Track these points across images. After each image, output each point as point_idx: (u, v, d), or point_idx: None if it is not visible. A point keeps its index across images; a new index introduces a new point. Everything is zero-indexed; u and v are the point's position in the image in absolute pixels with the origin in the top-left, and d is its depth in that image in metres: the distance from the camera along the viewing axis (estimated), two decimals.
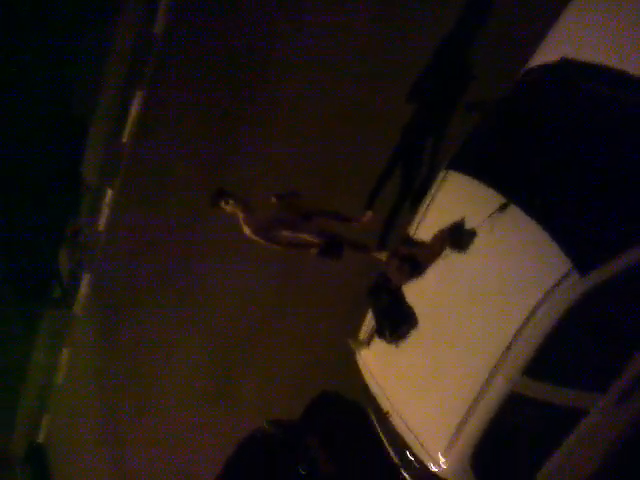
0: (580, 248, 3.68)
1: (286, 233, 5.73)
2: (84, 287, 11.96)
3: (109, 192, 11.23)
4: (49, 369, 12.94)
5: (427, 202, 4.60)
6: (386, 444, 4.89)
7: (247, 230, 5.68)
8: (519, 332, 3.71)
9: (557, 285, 3.63)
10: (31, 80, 11.98)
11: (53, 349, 12.84)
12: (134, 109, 10.60)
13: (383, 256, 5.64)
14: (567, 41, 4.35)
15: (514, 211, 3.93)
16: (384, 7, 6.82)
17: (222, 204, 5.62)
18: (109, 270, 11.28)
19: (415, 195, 6.09)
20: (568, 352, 3.75)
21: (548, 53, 4.38)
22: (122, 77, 10.90)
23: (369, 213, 6.39)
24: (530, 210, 3.88)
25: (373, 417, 4.95)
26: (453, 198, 4.42)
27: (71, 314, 12.21)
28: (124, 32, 10.92)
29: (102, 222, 11.38)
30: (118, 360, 10.77)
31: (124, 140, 10.82)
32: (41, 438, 13.40)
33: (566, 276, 3.62)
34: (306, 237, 5.80)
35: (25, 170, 12.28)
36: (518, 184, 4.04)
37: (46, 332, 13.22)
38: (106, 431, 11.02)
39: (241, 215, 5.65)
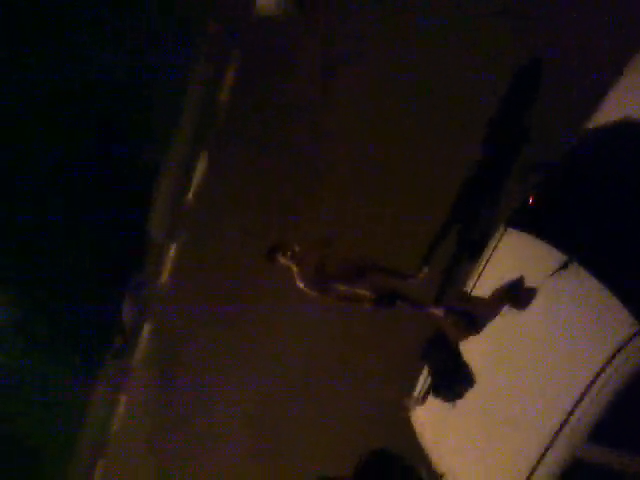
0: None
1: (340, 287, 5.77)
2: (144, 338, 12.27)
3: (173, 247, 11.66)
4: (106, 417, 13.16)
5: (485, 259, 4.60)
6: None
7: (300, 283, 5.75)
8: (583, 394, 3.57)
9: (624, 346, 3.51)
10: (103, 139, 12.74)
11: (110, 398, 13.09)
12: (200, 168, 11.14)
13: (439, 312, 5.60)
14: (629, 101, 4.37)
15: (576, 270, 3.87)
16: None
17: (278, 257, 5.75)
18: (169, 322, 11.56)
19: (472, 253, 6.06)
20: (635, 417, 3.57)
21: (610, 112, 4.39)
22: (189, 136, 11.53)
23: (425, 270, 6.39)
24: (593, 269, 3.81)
25: (426, 478, 4.81)
26: (512, 256, 4.41)
27: (130, 364, 12.49)
28: (193, 94, 11.61)
29: (165, 275, 11.77)
30: (172, 412, 10.87)
31: (189, 197, 11.31)
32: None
33: (634, 336, 3.51)
34: (360, 291, 5.82)
35: (94, 221, 12.89)
36: (580, 242, 3.98)
37: (105, 380, 13.51)
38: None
39: (295, 268, 5.74)
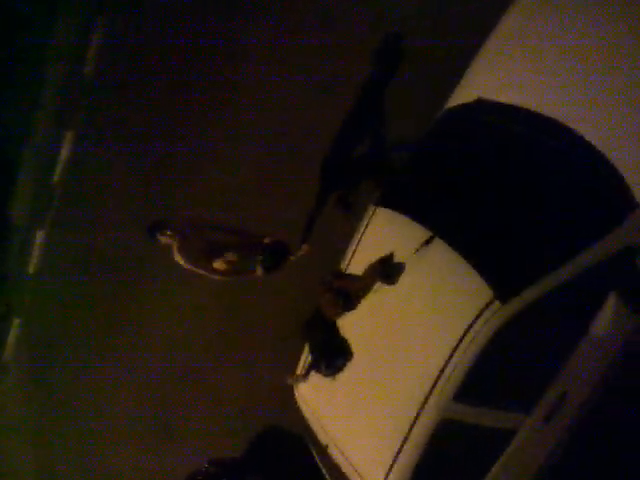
0: (502, 277, 3.91)
1: (227, 257, 5.79)
2: (13, 333, 11.49)
3: (39, 234, 10.91)
4: None
5: (358, 237, 4.77)
6: (327, 478, 4.93)
7: (181, 259, 5.75)
8: (447, 360, 3.87)
9: (481, 313, 3.83)
10: None
11: None
12: (65, 149, 10.44)
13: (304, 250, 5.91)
14: (482, 82, 4.68)
15: (438, 244, 4.14)
16: None
17: (159, 237, 5.73)
18: (40, 314, 10.89)
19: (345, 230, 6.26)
20: (495, 376, 3.93)
21: (465, 94, 4.68)
22: (52, 116, 10.75)
23: (305, 246, 6.52)
24: (453, 242, 4.10)
25: (314, 451, 5.00)
26: (382, 233, 4.60)
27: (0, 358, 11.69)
28: (54, 70, 10.80)
29: (32, 266, 11.01)
30: (50, 410, 10.34)
31: (55, 180, 10.60)
32: None
33: (489, 304, 3.83)
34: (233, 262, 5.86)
35: None
36: (441, 218, 4.26)
37: None
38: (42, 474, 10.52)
39: (175, 244, 5.73)
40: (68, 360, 10.00)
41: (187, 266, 5.83)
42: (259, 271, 6.02)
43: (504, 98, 4.45)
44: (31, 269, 11.02)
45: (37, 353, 10.84)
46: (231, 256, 5.84)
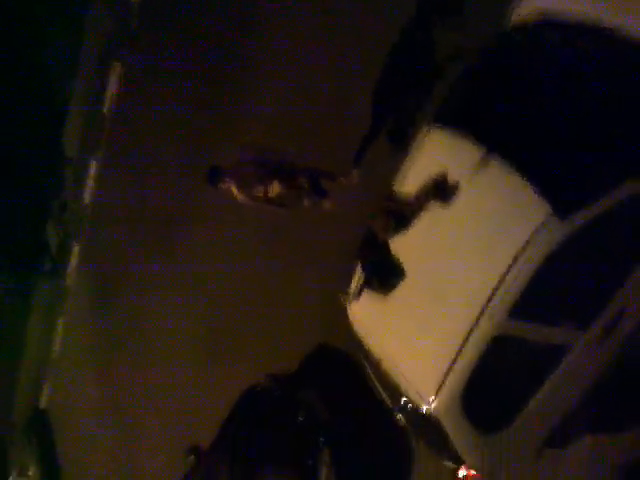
0: (560, 194, 3.85)
1: (277, 191, 5.86)
2: (74, 258, 12.02)
3: (93, 164, 11.19)
4: (45, 339, 13.09)
5: (411, 157, 4.71)
6: (379, 390, 5.13)
7: (238, 193, 5.84)
8: (503, 276, 3.88)
9: (539, 229, 3.80)
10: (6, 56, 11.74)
11: (48, 320, 12.97)
12: (114, 77, 10.49)
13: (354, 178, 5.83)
14: None
15: (496, 162, 4.07)
16: None
17: (220, 184, 5.84)
18: (98, 240, 11.33)
19: (399, 151, 6.19)
20: (551, 293, 3.94)
21: (528, 7, 4.45)
22: (100, 45, 10.76)
23: (355, 171, 6.50)
24: (511, 160, 4.02)
25: (366, 366, 5.18)
26: (436, 152, 4.53)
27: (63, 285, 12.30)
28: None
29: (88, 194, 11.36)
30: (114, 329, 10.92)
31: (105, 110, 10.73)
32: (43, 404, 13.66)
33: (547, 221, 3.79)
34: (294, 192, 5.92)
35: (7, 146, 12.14)
36: (499, 136, 4.16)
37: (40, 304, 13.31)
38: (104, 395, 11.26)
39: (234, 188, 5.82)
40: (128, 284, 10.46)
41: (248, 202, 5.92)
42: (306, 201, 6.06)
43: (572, 11, 4.22)
44: (87, 198, 11.39)
45: (97, 279, 11.37)
46: (280, 186, 5.88)
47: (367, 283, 4.91)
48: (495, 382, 4.23)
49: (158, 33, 9.64)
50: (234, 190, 5.89)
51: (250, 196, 5.94)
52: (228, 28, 8.50)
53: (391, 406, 5.08)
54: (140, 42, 9.95)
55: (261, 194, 5.92)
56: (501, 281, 3.90)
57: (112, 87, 10.53)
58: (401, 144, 6.22)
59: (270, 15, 7.98)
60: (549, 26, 4.24)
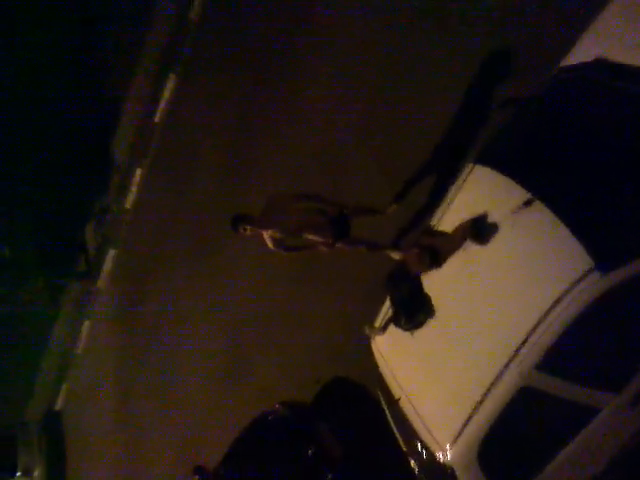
0: (603, 247, 3.68)
1: (308, 238, 5.76)
2: (109, 262, 12.21)
3: (138, 172, 11.43)
4: (70, 339, 13.24)
5: (452, 194, 4.62)
6: (395, 432, 4.94)
7: (270, 244, 5.80)
8: (536, 326, 3.72)
9: (579, 281, 3.63)
10: (66, 59, 12.22)
11: (75, 320, 13.13)
12: (167, 91, 10.77)
13: (397, 255, 5.67)
14: (602, 42, 4.35)
15: (538, 207, 3.94)
16: None
17: (241, 230, 5.80)
18: (134, 247, 11.49)
19: (440, 189, 6.11)
20: (584, 349, 3.76)
21: (583, 53, 4.37)
22: (157, 59, 11.08)
23: (394, 206, 6.44)
24: (555, 207, 3.88)
25: (384, 404, 5.01)
26: (478, 191, 4.43)
27: (95, 288, 12.47)
28: (162, 15, 11.08)
29: (130, 200, 11.59)
30: (137, 335, 10.99)
31: (156, 121, 10.99)
32: (59, 405, 13.73)
33: (588, 273, 3.63)
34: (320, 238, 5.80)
35: (58, 147, 12.56)
36: (544, 181, 4.04)
37: (68, 305, 13.52)
38: (120, 403, 11.26)
39: (265, 234, 5.75)
40: (157, 293, 10.54)
41: (278, 250, 5.87)
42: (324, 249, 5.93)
43: (624, 59, 4.12)
44: (128, 204, 11.61)
45: (129, 283, 11.50)
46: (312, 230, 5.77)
47: (394, 317, 4.78)
48: (517, 437, 4.02)
49: (214, 51, 9.86)
50: (264, 238, 5.80)
51: (280, 245, 5.85)
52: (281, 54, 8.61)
53: (406, 450, 4.89)
54: (197, 57, 10.20)
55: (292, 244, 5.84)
56: (533, 330, 3.73)
57: (165, 98, 10.79)
58: (443, 183, 6.16)
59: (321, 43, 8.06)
60: (598, 68, 4.12)
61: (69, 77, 12.26)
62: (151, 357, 10.51)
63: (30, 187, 12.67)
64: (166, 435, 9.83)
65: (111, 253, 12.14)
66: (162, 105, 10.91)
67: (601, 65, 4.19)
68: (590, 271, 3.63)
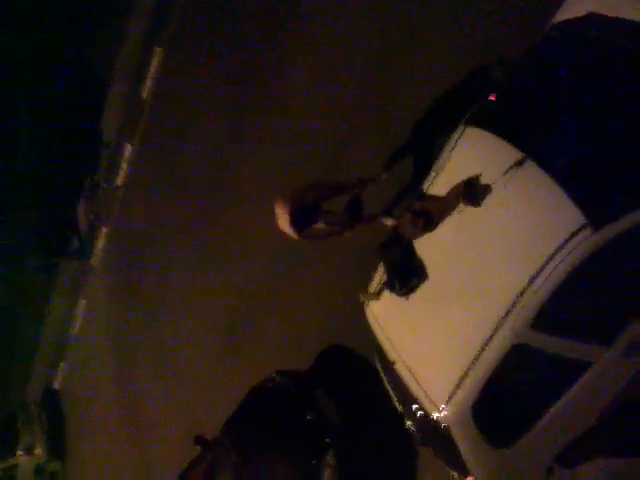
0: (595, 203, 3.70)
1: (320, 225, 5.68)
2: (101, 240, 12.18)
3: (128, 148, 11.34)
4: (66, 320, 13.26)
5: (443, 157, 4.62)
6: (391, 394, 5.02)
7: (285, 228, 5.61)
8: (528, 284, 3.75)
9: (570, 238, 3.66)
10: (51, 35, 12.03)
11: (70, 299, 13.14)
12: (154, 64, 10.63)
13: (389, 222, 5.67)
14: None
15: (530, 166, 3.94)
16: None
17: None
18: (127, 224, 11.45)
19: (431, 153, 6.09)
20: (576, 305, 3.80)
21: (574, 8, 4.34)
22: (143, 33, 10.92)
23: (384, 174, 6.42)
24: (546, 166, 3.89)
25: (380, 368, 5.07)
26: (470, 153, 4.43)
27: (88, 265, 12.46)
28: None
29: (121, 177, 11.51)
30: (133, 312, 11.01)
31: (144, 95, 10.87)
32: (57, 384, 13.80)
33: (580, 229, 3.65)
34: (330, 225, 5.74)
35: (46, 126, 12.43)
36: (536, 140, 4.04)
37: (64, 283, 13.51)
38: (118, 380, 11.34)
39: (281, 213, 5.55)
40: (152, 269, 10.54)
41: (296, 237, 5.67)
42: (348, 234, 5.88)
43: (616, 12, 4.10)
44: (119, 180, 11.54)
45: (123, 260, 11.48)
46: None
47: (388, 283, 4.81)
48: (510, 394, 4.08)
49: (201, 23, 9.72)
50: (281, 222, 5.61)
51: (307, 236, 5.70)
52: (270, 30, 8.48)
53: (401, 411, 4.96)
54: (183, 30, 10.05)
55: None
56: (526, 289, 3.77)
57: (152, 73, 10.66)
58: (434, 146, 6.13)
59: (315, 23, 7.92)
60: (589, 23, 4.10)
61: (56, 53, 12.08)
62: (148, 333, 10.55)
63: (20, 166, 12.58)
64: (166, 409, 9.91)
65: (104, 230, 12.11)
66: (149, 80, 10.78)
67: (593, 20, 4.16)
68: (582, 227, 3.65)
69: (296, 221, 5.48)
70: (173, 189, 10.05)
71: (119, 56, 11.46)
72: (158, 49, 10.49)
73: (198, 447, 7.10)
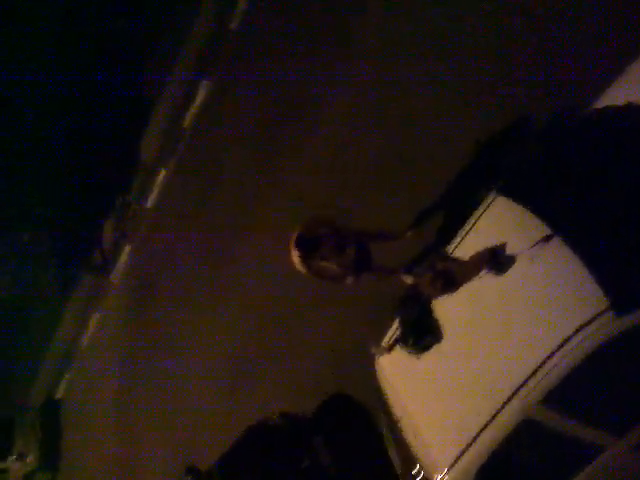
0: (620, 288, 3.69)
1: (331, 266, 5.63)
2: (124, 258, 12.33)
3: (162, 172, 11.59)
4: (76, 332, 13.33)
5: (471, 223, 4.66)
6: (392, 452, 4.94)
7: (299, 265, 5.59)
8: (545, 359, 3.72)
9: (592, 320, 3.64)
10: (103, 57, 12.49)
11: (84, 311, 13.24)
12: (200, 97, 10.96)
13: (409, 279, 5.66)
14: (635, 87, 4.40)
15: (558, 243, 3.96)
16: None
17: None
18: (151, 246, 11.61)
19: (460, 217, 6.13)
20: (592, 389, 3.75)
21: (615, 96, 4.42)
22: (193, 64, 11.30)
23: (412, 231, 6.46)
24: (574, 244, 3.90)
25: (384, 424, 5.01)
26: (497, 222, 4.47)
27: (107, 282, 12.59)
28: (201, 21, 11.31)
29: (152, 199, 11.74)
30: (144, 333, 11.04)
31: (185, 125, 11.18)
32: (59, 394, 13.79)
33: (602, 313, 3.63)
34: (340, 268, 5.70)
35: (87, 142, 12.79)
36: (566, 216, 4.07)
37: (79, 296, 13.64)
38: (119, 399, 11.30)
39: (296, 256, 5.51)
40: (170, 294, 10.61)
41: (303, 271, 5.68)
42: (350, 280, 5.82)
43: None
44: (149, 203, 11.76)
45: (142, 281, 11.60)
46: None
47: (401, 339, 4.80)
48: (516, 469, 4.01)
49: (252, 61, 10.03)
50: (296, 261, 5.58)
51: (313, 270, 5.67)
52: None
53: (400, 472, 4.88)
54: (233, 65, 10.37)
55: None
56: (542, 365, 3.73)
57: (197, 104, 10.97)
58: (462, 211, 6.17)
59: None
60: (632, 114, 4.17)
61: (105, 73, 12.50)
62: (156, 357, 10.55)
63: (55, 178, 12.88)
64: (163, 435, 9.83)
65: (127, 249, 12.28)
66: (193, 110, 11.09)
67: (632, 110, 4.23)
68: (604, 311, 3.63)
69: (300, 243, 5.43)
70: (199, 220, 10.19)
71: (168, 82, 11.83)
72: (207, 82, 10.83)
73: (189, 477, 7.02)
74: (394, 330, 4.94)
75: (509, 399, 3.83)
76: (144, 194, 11.92)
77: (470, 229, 4.65)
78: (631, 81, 4.46)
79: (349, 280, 5.81)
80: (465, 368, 4.18)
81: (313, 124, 8.38)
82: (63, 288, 13.92)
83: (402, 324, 4.86)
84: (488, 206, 4.59)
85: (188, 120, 11.16)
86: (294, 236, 5.53)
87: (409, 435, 4.47)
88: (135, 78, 12.40)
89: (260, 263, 8.65)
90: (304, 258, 5.52)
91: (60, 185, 12.93)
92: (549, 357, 3.71)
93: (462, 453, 3.99)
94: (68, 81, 12.36)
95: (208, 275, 9.72)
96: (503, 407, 3.84)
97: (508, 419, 3.83)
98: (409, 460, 4.52)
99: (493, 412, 3.87)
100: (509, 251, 4.20)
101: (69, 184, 12.85)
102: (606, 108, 4.41)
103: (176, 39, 11.64)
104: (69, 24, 12.25)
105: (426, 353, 4.54)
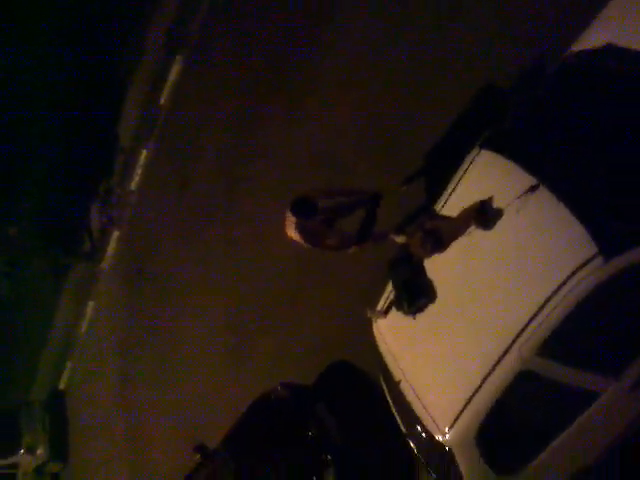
0: (608, 233, 3.68)
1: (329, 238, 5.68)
2: (113, 243, 12.24)
3: (143, 153, 11.42)
4: (73, 321, 13.31)
5: (457, 179, 4.61)
6: (395, 413, 4.99)
7: (294, 235, 5.59)
8: (538, 311, 3.73)
9: (581, 267, 3.64)
10: (73, 38, 12.20)
11: (79, 300, 13.20)
12: (173, 73, 10.74)
13: (400, 239, 5.65)
14: (613, 27, 4.31)
15: (544, 193, 3.93)
16: None
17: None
18: (138, 229, 11.51)
19: (444, 174, 6.08)
20: (585, 335, 3.77)
21: (593, 38, 4.34)
22: (164, 41, 11.04)
23: (405, 187, 6.43)
24: (560, 193, 3.88)
25: (384, 386, 5.05)
26: (483, 176, 4.43)
27: (98, 268, 12.52)
28: None
29: (135, 182, 11.59)
30: (140, 316, 11.04)
31: (161, 103, 10.97)
32: (62, 384, 13.84)
33: (592, 258, 3.63)
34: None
35: (64, 128, 12.57)
36: (550, 166, 4.04)
37: (73, 284, 13.58)
38: (123, 382, 11.36)
39: (291, 223, 5.51)
40: (160, 275, 10.57)
41: (304, 244, 5.69)
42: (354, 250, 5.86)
43: (635, 45, 4.09)
44: (133, 185, 11.61)
45: (132, 266, 11.53)
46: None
47: (396, 302, 4.80)
48: (516, 421, 4.05)
49: (222, 34, 9.81)
50: (290, 228, 5.60)
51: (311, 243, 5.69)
52: (292, 39, 8.53)
53: (404, 432, 4.93)
54: (204, 40, 10.14)
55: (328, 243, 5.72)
56: (535, 315, 3.75)
57: (171, 80, 10.75)
58: (448, 167, 6.12)
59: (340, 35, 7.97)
60: (608, 54, 4.10)
61: (76, 58, 12.23)
62: (154, 338, 10.57)
63: (35, 167, 12.70)
64: (168, 414, 9.90)
65: (115, 234, 12.18)
66: (168, 87, 10.88)
67: (611, 51, 4.16)
68: (594, 256, 3.63)
69: (296, 208, 5.41)
70: (184, 197, 10.09)
71: (140, 61, 11.58)
72: (179, 57, 10.59)
73: (198, 455, 7.10)
74: (388, 293, 4.94)
75: (505, 352, 3.85)
76: (127, 177, 11.76)
77: (456, 186, 4.60)
78: (609, 20, 4.37)
79: (352, 249, 5.80)
80: (461, 326, 4.19)
81: (297, 96, 8.22)
82: (56, 279, 13.85)
83: (395, 287, 4.85)
84: (473, 161, 4.54)
85: (164, 97, 10.94)
86: (290, 202, 5.48)
87: (410, 395, 4.49)
88: (107, 59, 12.14)
89: (252, 236, 8.59)
90: (299, 224, 5.48)
91: (42, 175, 12.76)
92: (541, 307, 3.72)
93: (462, 409, 4.03)
94: (42, 66, 12.10)
95: (200, 252, 9.66)
96: (499, 361, 3.87)
97: (505, 372, 3.86)
98: (412, 420, 4.55)
99: (490, 366, 3.90)
100: (496, 205, 4.17)
101: (51, 172, 12.67)
102: (583, 52, 4.32)
103: (147, 15, 11.35)
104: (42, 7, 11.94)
105: (421, 313, 4.54)
